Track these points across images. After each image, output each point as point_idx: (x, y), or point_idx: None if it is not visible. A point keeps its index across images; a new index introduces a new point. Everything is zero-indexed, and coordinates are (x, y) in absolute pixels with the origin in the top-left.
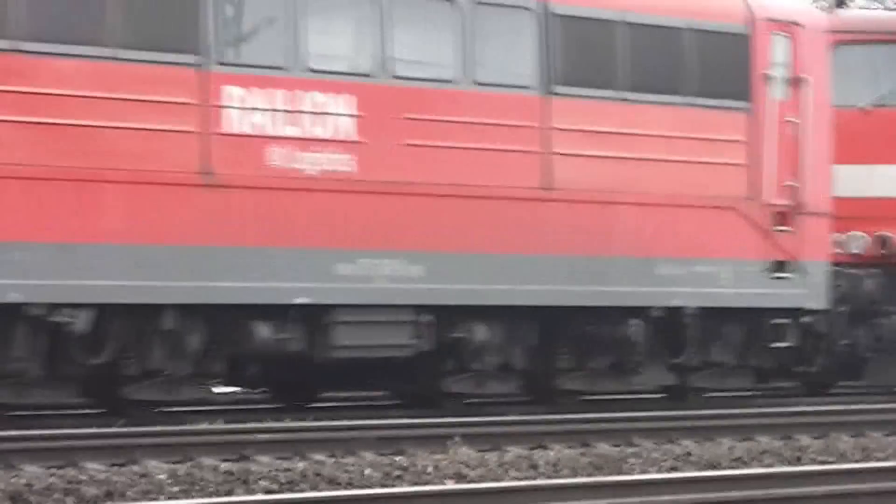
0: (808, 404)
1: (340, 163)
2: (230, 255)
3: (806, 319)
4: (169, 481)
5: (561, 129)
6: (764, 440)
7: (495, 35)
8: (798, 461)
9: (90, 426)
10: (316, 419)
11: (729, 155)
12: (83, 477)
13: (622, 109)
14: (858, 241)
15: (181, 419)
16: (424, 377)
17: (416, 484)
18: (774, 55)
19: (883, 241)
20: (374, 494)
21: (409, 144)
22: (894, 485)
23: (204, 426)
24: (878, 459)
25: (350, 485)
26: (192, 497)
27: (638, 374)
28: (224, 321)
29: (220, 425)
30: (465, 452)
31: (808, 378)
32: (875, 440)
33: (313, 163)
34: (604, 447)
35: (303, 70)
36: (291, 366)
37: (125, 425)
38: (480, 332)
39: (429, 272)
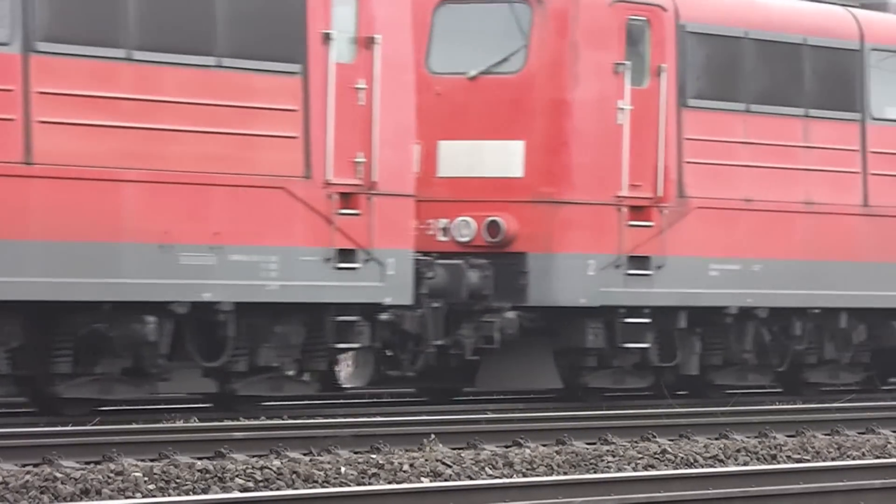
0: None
1: None
2: None
3: (385, 316)
4: (145, 479)
5: (44, 94)
6: (739, 438)
7: None
8: (774, 459)
9: (66, 424)
10: (291, 417)
11: (277, 126)
12: (59, 475)
13: (128, 70)
14: (466, 228)
15: (157, 417)
16: None
17: (392, 482)
18: (336, 11)
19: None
20: (350, 492)
21: None
22: (868, 482)
23: (180, 424)
24: (853, 457)
25: (326, 482)
26: (168, 495)
27: (163, 379)
28: None
29: (195, 423)
30: (441, 450)
31: (415, 383)
32: (849, 438)
33: None
34: (579, 445)
35: None
36: None
37: (100, 423)
38: None
39: None
